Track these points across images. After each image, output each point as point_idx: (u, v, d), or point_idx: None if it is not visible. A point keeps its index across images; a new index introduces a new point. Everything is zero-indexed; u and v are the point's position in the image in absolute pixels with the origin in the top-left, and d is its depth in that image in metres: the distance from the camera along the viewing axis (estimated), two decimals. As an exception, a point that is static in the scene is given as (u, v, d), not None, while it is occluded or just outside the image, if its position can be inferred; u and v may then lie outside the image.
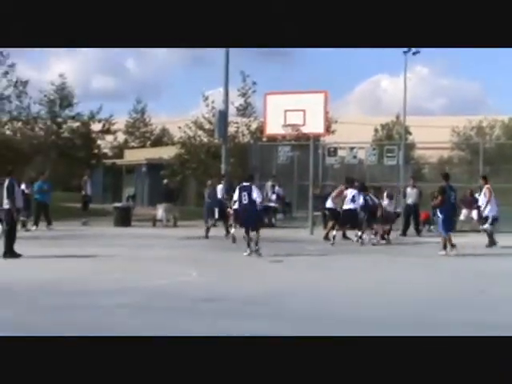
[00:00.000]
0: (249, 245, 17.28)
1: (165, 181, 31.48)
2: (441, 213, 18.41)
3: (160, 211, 29.47)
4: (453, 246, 17.78)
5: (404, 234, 24.93)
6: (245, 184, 17.96)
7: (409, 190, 26.14)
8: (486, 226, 20.53)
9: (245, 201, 17.58)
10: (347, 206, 20.82)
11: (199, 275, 13.52)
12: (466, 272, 14.94)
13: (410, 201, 25.74)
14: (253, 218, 17.78)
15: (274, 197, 28.99)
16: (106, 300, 10.46)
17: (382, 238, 21.45)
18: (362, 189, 21.25)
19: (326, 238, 21.49)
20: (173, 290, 11.66)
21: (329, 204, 22.53)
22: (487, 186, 21.29)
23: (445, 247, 17.84)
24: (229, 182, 24.48)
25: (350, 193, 20.88)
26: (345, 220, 21.00)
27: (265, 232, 22.38)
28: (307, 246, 20.16)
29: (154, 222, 29.49)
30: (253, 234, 17.50)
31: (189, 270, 14.05)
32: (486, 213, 20.83)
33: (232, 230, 21.00)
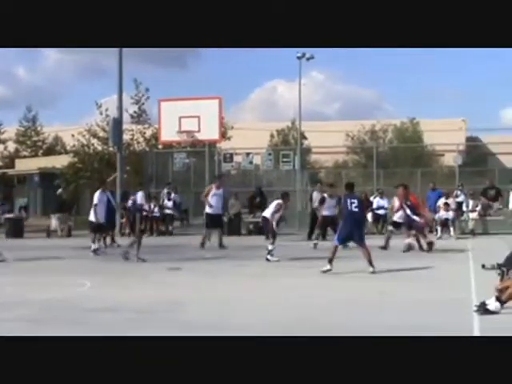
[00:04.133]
0: None
1: (59, 190, 30.86)
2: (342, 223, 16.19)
3: (54, 221, 28.92)
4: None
5: (309, 237, 24.79)
6: None
7: (315, 194, 26.10)
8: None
9: None
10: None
11: (93, 286, 13.18)
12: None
13: (315, 205, 25.68)
14: None
15: (170, 204, 28.73)
16: (2, 313, 10.08)
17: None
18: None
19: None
20: (67, 301, 11.30)
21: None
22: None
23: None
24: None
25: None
26: None
27: (162, 239, 22.26)
28: (205, 252, 20.00)
29: (49, 232, 28.88)
30: None
31: (83, 280, 13.68)
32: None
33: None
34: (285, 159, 31.25)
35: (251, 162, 31.66)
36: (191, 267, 16.43)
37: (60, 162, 41.88)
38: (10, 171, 51.26)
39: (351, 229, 15.25)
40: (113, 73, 28.86)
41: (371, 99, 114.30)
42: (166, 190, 29.25)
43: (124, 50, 28.00)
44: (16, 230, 28.42)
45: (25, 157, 62.65)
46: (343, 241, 15.85)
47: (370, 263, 14.71)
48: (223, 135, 32.58)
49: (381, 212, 28.21)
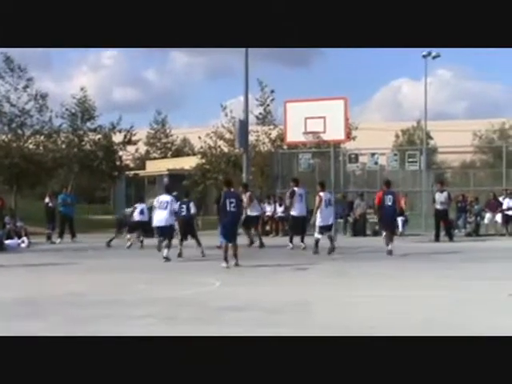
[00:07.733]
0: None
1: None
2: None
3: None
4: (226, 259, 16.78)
5: (437, 239, 24.90)
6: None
7: (437, 194, 25.98)
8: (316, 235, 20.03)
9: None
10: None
11: (223, 284, 13.51)
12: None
13: (439, 206, 25.59)
14: None
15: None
16: (131, 311, 10.48)
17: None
18: None
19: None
20: (197, 299, 11.64)
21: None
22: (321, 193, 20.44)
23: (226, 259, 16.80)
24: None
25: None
26: None
27: (286, 240, 22.46)
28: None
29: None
30: None
31: (212, 279, 14.04)
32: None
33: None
34: (410, 159, 30.93)
35: (376, 163, 31.52)
36: (319, 267, 16.60)
37: (188, 163, 42.93)
38: (141, 172, 52.83)
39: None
40: (237, 73, 29.32)
41: (500, 97, 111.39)
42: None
43: (249, 50, 28.40)
44: (146, 230, 29.16)
45: (155, 158, 64.52)
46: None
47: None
48: (348, 136, 32.56)
49: (511, 213, 27.73)
